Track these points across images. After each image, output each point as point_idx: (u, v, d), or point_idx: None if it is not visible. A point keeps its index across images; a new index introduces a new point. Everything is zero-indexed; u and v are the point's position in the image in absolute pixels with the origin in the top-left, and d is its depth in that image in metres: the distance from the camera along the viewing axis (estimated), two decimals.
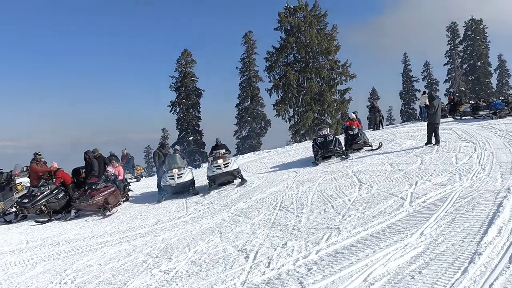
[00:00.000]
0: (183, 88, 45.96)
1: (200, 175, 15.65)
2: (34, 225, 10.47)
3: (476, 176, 8.32)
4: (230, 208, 9.52)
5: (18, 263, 7.05)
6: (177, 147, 15.38)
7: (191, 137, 45.16)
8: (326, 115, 39.52)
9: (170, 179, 11.91)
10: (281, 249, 5.79)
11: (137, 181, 19.35)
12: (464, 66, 54.73)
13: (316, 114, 39.22)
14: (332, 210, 7.62)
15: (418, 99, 36.64)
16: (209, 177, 12.33)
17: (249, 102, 46.90)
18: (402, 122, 43.90)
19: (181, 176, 12.00)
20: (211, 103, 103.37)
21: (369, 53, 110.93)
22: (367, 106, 23.08)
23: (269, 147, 24.63)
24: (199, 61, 54.95)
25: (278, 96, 40.37)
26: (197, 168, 23.49)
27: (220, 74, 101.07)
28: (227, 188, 12.20)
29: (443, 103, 25.24)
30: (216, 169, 12.17)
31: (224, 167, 12.15)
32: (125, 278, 5.66)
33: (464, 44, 54.85)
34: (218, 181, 12.29)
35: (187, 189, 12.31)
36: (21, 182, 13.88)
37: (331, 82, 39.26)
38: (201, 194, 11.94)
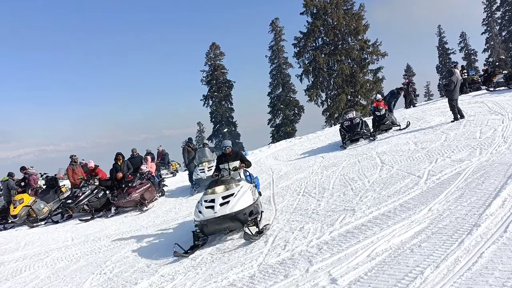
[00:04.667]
0: (214, 81, 46.76)
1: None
2: (78, 223, 11.37)
3: (496, 150, 8.32)
4: None
5: (64, 258, 7.80)
6: (206, 141, 15.98)
7: (226, 129, 45.98)
8: (359, 97, 39.15)
9: (200, 172, 12.52)
10: (298, 232, 6.16)
11: (173, 176, 20.15)
12: (503, 34, 52.41)
13: (348, 96, 38.95)
14: (351, 192, 7.90)
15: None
16: (195, 224, 6.73)
17: (280, 89, 47.06)
18: (441, 97, 42.82)
19: (211, 169, 12.53)
20: (243, 93, 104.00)
21: (400, 29, 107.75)
22: (403, 84, 22.66)
23: (305, 133, 24.80)
24: (228, 53, 55.53)
25: (309, 81, 40.42)
26: None
27: (250, 64, 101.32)
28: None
29: (474, 74, 24.55)
30: (206, 208, 6.51)
31: (221, 206, 6.42)
32: (157, 266, 6.20)
33: (502, 10, 52.55)
34: (207, 231, 6.60)
35: None
36: (64, 185, 14.95)
37: (362, 63, 38.82)
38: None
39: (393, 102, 18.79)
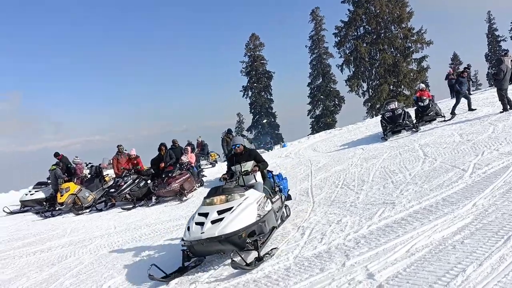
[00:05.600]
0: (254, 72, 46.81)
1: (271, 157, 16.18)
2: (120, 212, 11.74)
3: None
4: (295, 188, 9.89)
5: (107, 245, 8.06)
6: (244, 132, 16.02)
7: (265, 120, 45.99)
8: (402, 87, 38.09)
9: None
10: (335, 225, 6.07)
11: (212, 166, 20.35)
12: None
13: (391, 86, 37.98)
14: (392, 185, 7.71)
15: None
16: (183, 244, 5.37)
17: (320, 80, 46.50)
18: (489, 86, 41.00)
19: None
20: (282, 84, 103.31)
21: (446, 16, 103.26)
22: (452, 73, 21.83)
23: (345, 124, 24.46)
24: (267, 44, 55.23)
25: (350, 71, 39.75)
26: (270, 150, 24.14)
27: (289, 55, 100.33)
28: (295, 169, 12.58)
29: None
30: (196, 224, 5.29)
31: (212, 224, 5.17)
32: None
33: None
34: (195, 253, 5.39)
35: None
36: (108, 174, 15.46)
37: (406, 52, 37.70)
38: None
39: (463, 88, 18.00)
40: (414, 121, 14.23)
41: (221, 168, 18.46)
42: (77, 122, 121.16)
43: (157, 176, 12.68)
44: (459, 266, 3.76)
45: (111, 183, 14.00)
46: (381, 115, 15.21)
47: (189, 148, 14.78)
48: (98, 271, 6.35)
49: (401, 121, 13.84)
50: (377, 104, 37.22)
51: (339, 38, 39.60)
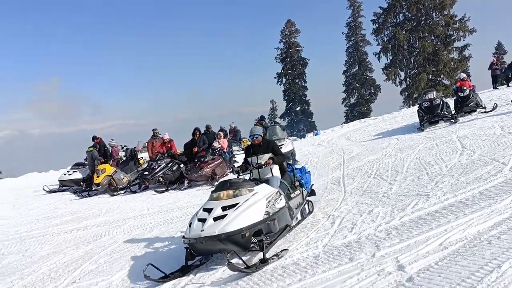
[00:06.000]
0: (288, 59, 46.45)
1: (303, 145, 16.10)
2: (154, 194, 12.00)
3: None
4: (326, 176, 9.83)
5: (140, 226, 8.27)
6: (277, 119, 15.99)
7: (298, 107, 45.72)
8: (441, 76, 36.94)
9: None
10: (366, 215, 5.99)
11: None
12: None
13: (430, 75, 36.89)
14: (426, 177, 7.51)
15: None
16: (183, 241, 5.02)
17: (356, 67, 45.73)
18: None
19: (281, 147, 12.54)
20: (317, 71, 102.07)
21: (492, 2, 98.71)
22: (496, 63, 21.02)
23: (380, 113, 23.97)
24: (303, 30, 54.51)
25: (387, 59, 38.94)
26: (302, 138, 24.02)
27: (325, 42, 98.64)
28: (327, 158, 12.48)
29: None
30: (198, 220, 4.95)
31: (215, 221, 4.82)
32: None
33: None
34: (197, 252, 5.01)
35: (288, 159, 12.82)
36: (142, 157, 15.83)
37: (447, 40, 36.47)
38: (301, 164, 12.37)
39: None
40: (453, 112, 13.77)
41: None
42: (113, 106, 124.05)
43: (190, 161, 12.87)
44: (494, 262, 3.64)
45: (145, 166, 14.32)
46: (418, 105, 14.80)
47: (221, 133, 14.89)
48: (131, 250, 6.52)
49: (439, 111, 13.44)
50: (415, 93, 36.32)
51: (377, 25, 38.72)
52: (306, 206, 6.72)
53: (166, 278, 4.83)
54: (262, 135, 6.57)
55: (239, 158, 16.76)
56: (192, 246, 4.87)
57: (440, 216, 5.20)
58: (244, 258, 4.90)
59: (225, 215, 4.82)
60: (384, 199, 6.72)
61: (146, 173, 12.79)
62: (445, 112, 13.53)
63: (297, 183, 6.59)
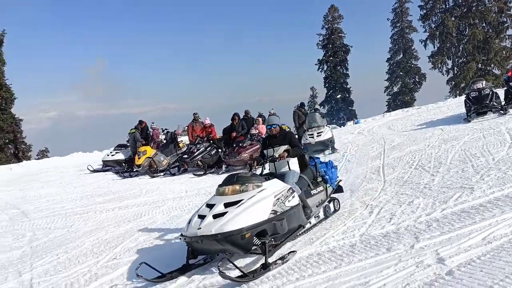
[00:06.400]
0: (330, 45, 45.62)
1: (342, 133, 15.86)
2: (192, 177, 12.24)
3: None
4: (366, 165, 9.66)
5: (178, 208, 8.46)
6: (317, 106, 15.82)
7: (339, 95, 44.92)
8: (492, 65, 35.32)
9: (309, 137, 12.51)
10: (406, 206, 5.84)
11: None
12: None
13: (479, 64, 35.35)
14: (471, 169, 7.22)
15: None
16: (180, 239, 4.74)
17: (401, 55, 44.39)
18: None
19: (320, 135, 12.45)
20: (359, 58, 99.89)
21: None
22: None
23: (425, 103, 23.27)
24: (346, 16, 53.17)
25: (434, 47, 37.63)
26: (342, 126, 23.68)
27: (369, 28, 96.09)
28: (367, 147, 12.25)
29: None
30: (198, 217, 4.61)
31: (214, 219, 4.41)
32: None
33: None
34: (196, 250, 4.64)
35: (326, 147, 12.69)
36: (182, 140, 16.11)
37: (500, 27, 34.74)
38: (340, 152, 12.22)
39: None
40: (503, 103, 13.15)
41: None
42: (156, 90, 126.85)
43: (228, 145, 12.97)
44: None
45: (184, 149, 14.60)
46: (465, 95, 14.22)
47: (260, 119, 14.88)
48: (171, 230, 6.70)
49: (488, 102, 12.86)
50: (462, 83, 34.97)
51: (425, 11, 37.37)
52: (331, 204, 6.28)
53: (162, 277, 4.48)
54: (280, 125, 6.16)
55: None
56: (190, 245, 4.52)
57: (485, 210, 4.99)
58: (249, 260, 4.76)
59: (225, 213, 4.41)
60: (426, 190, 6.52)
61: (185, 156, 13.03)
62: (494, 103, 12.93)
63: (319, 179, 6.16)
